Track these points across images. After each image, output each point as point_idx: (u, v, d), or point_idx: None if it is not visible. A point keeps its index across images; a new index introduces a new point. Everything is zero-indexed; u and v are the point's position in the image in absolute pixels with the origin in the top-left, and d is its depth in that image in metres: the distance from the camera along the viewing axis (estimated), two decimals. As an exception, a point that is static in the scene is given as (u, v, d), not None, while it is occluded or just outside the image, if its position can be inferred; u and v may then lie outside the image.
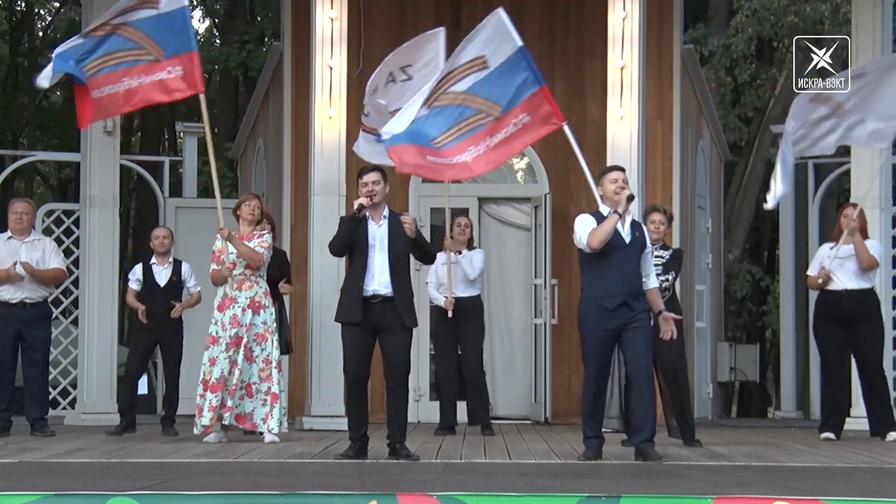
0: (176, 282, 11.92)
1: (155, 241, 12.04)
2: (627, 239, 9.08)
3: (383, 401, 13.11)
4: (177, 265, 12.01)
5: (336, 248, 9.36)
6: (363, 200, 9.05)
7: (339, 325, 9.37)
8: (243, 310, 10.60)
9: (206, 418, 10.46)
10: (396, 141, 9.80)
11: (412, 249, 9.28)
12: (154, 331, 11.93)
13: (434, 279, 12.28)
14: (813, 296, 16.43)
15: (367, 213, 9.13)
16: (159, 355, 12.35)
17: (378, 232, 9.14)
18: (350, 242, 9.17)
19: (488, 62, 10.06)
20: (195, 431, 10.54)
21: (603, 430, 9.30)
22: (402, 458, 8.97)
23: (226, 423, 10.53)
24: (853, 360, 11.80)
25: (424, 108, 9.87)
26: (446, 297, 11.93)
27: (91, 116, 10.72)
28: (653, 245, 10.35)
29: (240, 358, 10.51)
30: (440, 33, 11.96)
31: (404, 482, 7.30)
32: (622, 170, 9.40)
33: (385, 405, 9.75)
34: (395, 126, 9.87)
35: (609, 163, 12.42)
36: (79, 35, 10.69)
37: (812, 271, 11.54)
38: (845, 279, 11.27)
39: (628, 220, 9.17)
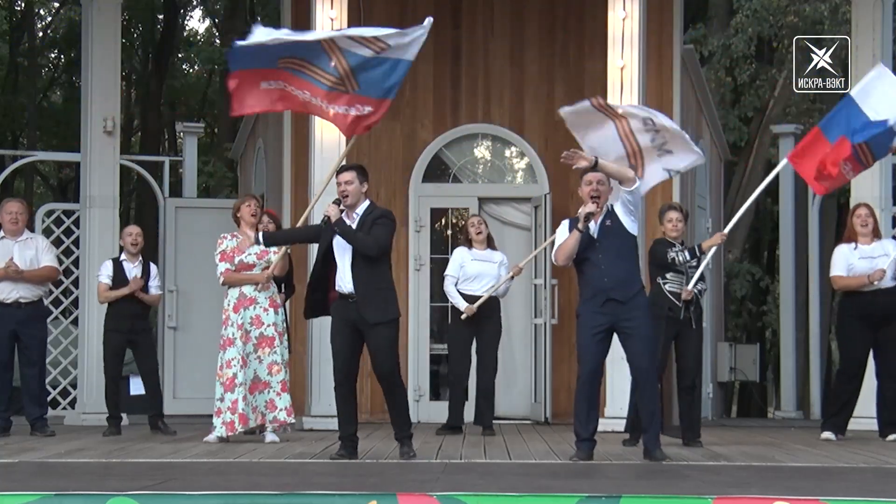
0: (145, 281, 11.90)
1: (128, 238, 11.94)
2: (596, 234, 9.02)
3: (384, 401, 13.19)
4: (146, 264, 11.99)
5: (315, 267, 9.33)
6: (330, 212, 9.03)
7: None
8: (265, 309, 10.61)
9: (220, 420, 10.46)
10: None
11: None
12: (124, 331, 11.84)
13: (455, 275, 12.14)
14: (814, 296, 16.51)
15: (344, 212, 9.11)
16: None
17: None
18: (317, 239, 9.32)
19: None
20: (216, 434, 10.51)
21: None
22: (400, 457, 8.97)
23: (282, 419, 10.57)
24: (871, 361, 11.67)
25: None
26: (467, 304, 11.89)
27: (251, 106, 10.31)
28: (672, 244, 10.39)
29: (273, 357, 10.55)
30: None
31: (404, 482, 7.30)
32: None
33: (385, 405, 9.76)
34: None
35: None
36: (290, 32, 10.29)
37: (839, 272, 11.29)
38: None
39: (602, 212, 9.05)
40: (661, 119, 10.07)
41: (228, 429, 10.47)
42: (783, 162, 11.41)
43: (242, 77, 9.99)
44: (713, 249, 10.76)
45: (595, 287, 9.01)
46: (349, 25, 12.89)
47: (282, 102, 10.21)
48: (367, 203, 9.20)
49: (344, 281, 9.07)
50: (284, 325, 10.80)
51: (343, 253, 9.09)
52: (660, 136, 10.04)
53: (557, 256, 9.13)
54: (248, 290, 10.61)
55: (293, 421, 10.75)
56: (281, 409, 10.57)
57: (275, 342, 10.59)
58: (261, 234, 9.67)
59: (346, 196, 9.09)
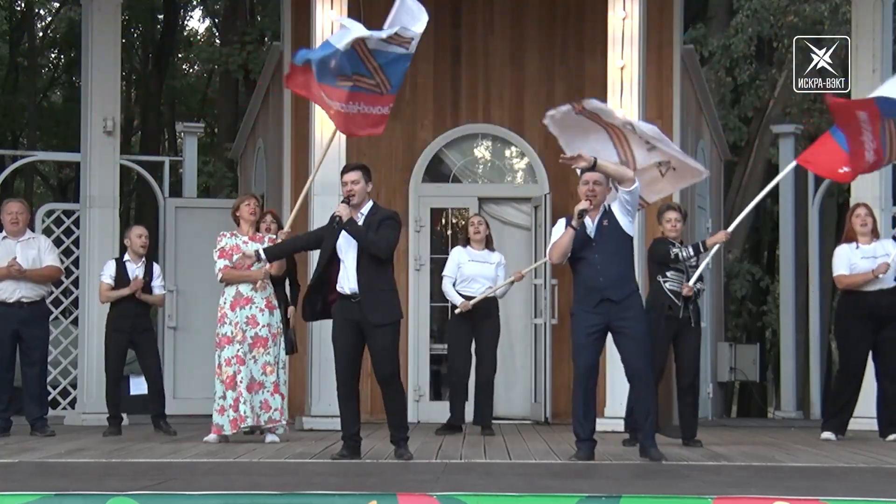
0: (148, 281, 11.86)
1: (137, 240, 11.87)
2: (592, 233, 9.03)
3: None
4: (149, 264, 11.98)
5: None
6: (342, 211, 9.04)
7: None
8: (261, 310, 10.60)
9: (226, 417, 10.45)
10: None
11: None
12: (126, 331, 11.81)
13: (453, 275, 12.12)
14: (814, 296, 16.51)
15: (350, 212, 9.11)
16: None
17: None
18: (318, 244, 9.29)
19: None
20: (223, 431, 10.48)
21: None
22: (396, 458, 8.95)
23: (276, 419, 10.58)
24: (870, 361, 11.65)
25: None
26: (463, 300, 11.87)
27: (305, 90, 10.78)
28: (671, 244, 10.39)
29: (266, 358, 10.54)
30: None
31: (404, 482, 7.31)
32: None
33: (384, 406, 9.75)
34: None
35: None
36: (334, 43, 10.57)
37: (843, 270, 11.25)
38: (879, 279, 11.20)
39: (599, 212, 9.05)
40: (664, 147, 10.04)
41: (232, 426, 10.46)
42: (793, 164, 11.37)
43: (303, 73, 10.54)
44: (716, 247, 10.75)
45: (590, 286, 9.02)
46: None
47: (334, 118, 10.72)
48: (370, 203, 9.20)
49: (348, 281, 9.04)
50: (279, 325, 10.77)
51: (348, 253, 9.06)
52: (658, 153, 10.04)
53: (552, 254, 9.16)
54: (244, 289, 10.62)
55: (284, 423, 10.69)
56: (275, 410, 10.57)
57: (268, 343, 10.58)
58: (261, 251, 9.61)
59: (353, 195, 9.09)
